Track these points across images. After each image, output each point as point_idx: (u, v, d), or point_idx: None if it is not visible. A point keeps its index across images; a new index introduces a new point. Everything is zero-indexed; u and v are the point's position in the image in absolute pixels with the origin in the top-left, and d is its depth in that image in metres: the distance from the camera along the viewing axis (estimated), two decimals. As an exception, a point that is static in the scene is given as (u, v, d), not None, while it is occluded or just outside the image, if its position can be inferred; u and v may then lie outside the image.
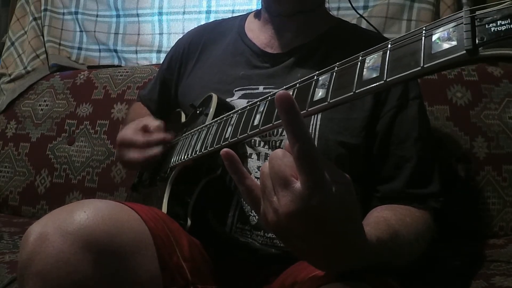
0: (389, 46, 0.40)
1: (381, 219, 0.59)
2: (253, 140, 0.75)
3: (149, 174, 0.87)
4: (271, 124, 0.49)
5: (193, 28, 1.03)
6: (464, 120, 1.04)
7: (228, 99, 0.79)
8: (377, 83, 0.38)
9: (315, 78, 0.47)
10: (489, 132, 1.02)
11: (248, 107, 0.57)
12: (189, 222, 0.70)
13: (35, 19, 1.61)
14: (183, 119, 0.89)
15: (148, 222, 0.60)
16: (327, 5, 0.89)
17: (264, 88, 0.78)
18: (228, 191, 0.73)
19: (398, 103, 0.75)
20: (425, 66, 0.35)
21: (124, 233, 0.55)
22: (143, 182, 0.89)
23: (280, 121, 0.46)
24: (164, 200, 0.71)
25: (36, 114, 1.42)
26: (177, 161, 0.73)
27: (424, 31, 0.37)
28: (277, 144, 0.73)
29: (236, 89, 0.80)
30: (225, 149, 0.45)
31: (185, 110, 0.89)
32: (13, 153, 1.38)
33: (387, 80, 0.38)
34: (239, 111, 0.59)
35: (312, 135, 0.71)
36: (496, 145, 1.01)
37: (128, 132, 0.80)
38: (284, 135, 0.73)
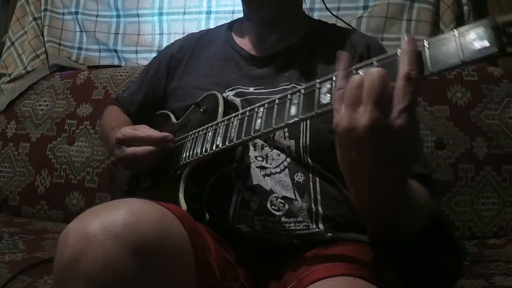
0: (426, 44, 0.45)
1: None
2: None
3: (149, 176, 0.86)
4: (313, 112, 0.52)
5: (181, 37, 1.07)
6: (464, 120, 1.04)
7: None
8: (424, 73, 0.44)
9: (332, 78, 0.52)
10: (489, 132, 1.02)
11: (277, 101, 0.60)
12: (207, 216, 0.71)
13: (35, 19, 1.61)
14: (174, 119, 0.89)
15: (184, 222, 0.58)
16: (304, 6, 0.94)
17: (254, 89, 0.81)
18: (230, 181, 0.75)
19: None
20: (465, 60, 0.41)
21: (169, 238, 0.53)
22: (140, 185, 0.88)
23: (323, 110, 0.51)
24: (180, 196, 0.72)
25: (36, 114, 1.42)
26: (190, 157, 0.74)
27: (456, 33, 0.43)
28: (270, 138, 0.76)
29: (228, 89, 0.83)
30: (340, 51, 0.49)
31: (175, 112, 0.90)
32: (13, 153, 1.38)
33: (433, 71, 0.44)
34: (266, 106, 0.61)
35: (304, 127, 0.75)
36: (496, 145, 1.01)
37: (127, 129, 0.81)
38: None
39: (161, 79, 0.98)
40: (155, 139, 0.78)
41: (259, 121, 0.62)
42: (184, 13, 1.49)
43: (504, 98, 1.05)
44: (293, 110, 0.56)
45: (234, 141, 0.66)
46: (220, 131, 0.70)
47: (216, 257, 0.62)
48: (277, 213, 0.71)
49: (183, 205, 0.71)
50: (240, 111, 0.68)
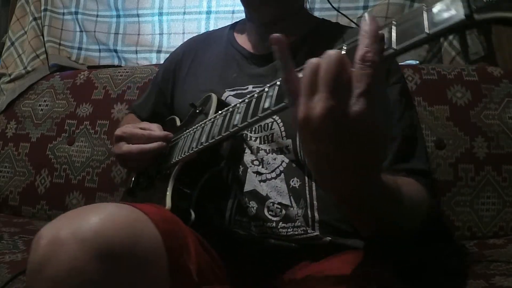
0: (394, 22, 0.43)
1: (386, 175, 0.57)
2: (244, 134, 0.78)
3: (147, 177, 0.86)
4: (283, 103, 0.51)
5: (185, 41, 1.07)
6: (464, 120, 1.04)
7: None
8: (388, 51, 0.42)
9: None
10: (489, 132, 1.02)
11: (255, 95, 0.58)
12: (193, 215, 0.71)
13: (35, 19, 1.61)
14: (179, 123, 0.90)
15: (159, 224, 0.58)
16: (308, 5, 0.94)
17: (253, 87, 0.81)
18: (226, 185, 0.75)
19: None
20: (430, 32, 0.39)
21: (140, 242, 0.53)
22: (140, 185, 0.89)
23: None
24: (167, 194, 0.72)
25: (36, 114, 1.42)
26: (180, 156, 0.74)
27: (424, 7, 0.41)
28: (269, 138, 0.76)
29: (227, 89, 0.83)
30: (275, 34, 0.46)
31: (181, 116, 0.91)
32: (13, 153, 1.38)
33: (397, 48, 0.41)
34: (246, 100, 0.61)
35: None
36: (496, 145, 1.01)
37: (128, 127, 0.82)
38: (273, 129, 0.76)
39: (168, 84, 0.99)
40: (157, 137, 0.79)
41: (238, 116, 0.61)
42: (184, 13, 1.49)
43: (504, 98, 1.05)
44: (267, 103, 0.54)
45: (215, 137, 0.65)
46: (207, 129, 0.70)
47: (196, 260, 0.61)
48: (274, 219, 0.71)
49: (168, 204, 0.70)
50: (225, 108, 0.67)
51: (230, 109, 0.65)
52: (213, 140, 0.66)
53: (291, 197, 0.72)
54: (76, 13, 1.60)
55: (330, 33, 0.87)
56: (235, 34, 0.95)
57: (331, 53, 0.42)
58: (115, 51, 1.57)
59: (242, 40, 0.92)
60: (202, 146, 0.68)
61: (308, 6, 0.95)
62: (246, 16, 0.93)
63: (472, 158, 1.01)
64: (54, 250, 0.48)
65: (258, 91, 0.58)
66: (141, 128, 0.83)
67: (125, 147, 0.80)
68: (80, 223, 0.50)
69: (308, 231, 0.69)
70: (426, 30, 0.39)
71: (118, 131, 0.82)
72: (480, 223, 0.98)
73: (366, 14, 0.43)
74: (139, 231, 0.54)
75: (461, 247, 0.93)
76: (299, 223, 0.70)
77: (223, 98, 0.82)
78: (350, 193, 0.48)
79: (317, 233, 0.69)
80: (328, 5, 1.10)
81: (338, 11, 1.05)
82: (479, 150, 1.01)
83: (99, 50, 1.59)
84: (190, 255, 0.61)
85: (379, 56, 0.41)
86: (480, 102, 1.06)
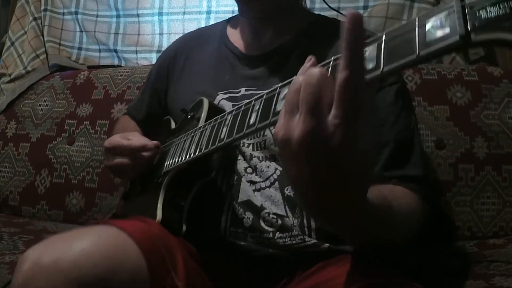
0: (383, 38, 0.39)
1: (375, 189, 0.53)
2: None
3: (140, 182, 0.86)
4: (268, 121, 0.48)
5: (178, 38, 1.05)
6: (464, 120, 1.04)
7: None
8: (374, 74, 0.38)
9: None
10: (489, 132, 1.02)
11: (242, 107, 0.56)
12: (184, 227, 0.70)
13: (35, 19, 1.61)
14: (173, 125, 0.89)
15: (144, 244, 0.57)
16: (307, 5, 0.90)
17: (245, 90, 0.79)
18: (220, 195, 0.73)
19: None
20: (420, 54, 0.34)
21: (120, 270, 0.53)
22: (135, 190, 0.88)
23: (277, 117, 0.45)
24: (158, 206, 0.70)
25: (36, 114, 1.42)
26: (171, 165, 0.73)
27: (417, 22, 0.36)
28: (261, 145, 0.74)
29: (220, 92, 0.81)
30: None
31: (174, 117, 0.90)
32: (13, 153, 1.38)
33: (384, 70, 0.37)
34: (234, 112, 0.59)
35: None
36: (496, 145, 1.01)
37: (116, 137, 0.80)
38: (266, 135, 0.74)
39: (161, 83, 0.96)
40: (136, 148, 0.76)
41: (224, 129, 0.58)
42: (184, 13, 1.49)
43: (504, 98, 1.05)
44: (252, 118, 0.51)
45: (203, 150, 0.64)
46: (196, 139, 0.68)
47: (185, 276, 0.59)
48: (271, 229, 0.69)
49: (158, 216, 0.69)
50: (213, 118, 0.65)
51: (219, 120, 0.63)
52: (201, 153, 0.64)
53: (286, 206, 0.70)
54: (76, 13, 1.60)
55: (328, 31, 0.82)
56: (229, 31, 0.91)
57: (313, 72, 0.38)
58: (115, 51, 1.57)
59: (235, 37, 0.88)
60: (190, 157, 0.67)
61: (307, 6, 0.93)
62: (239, 11, 0.88)
63: (472, 158, 1.01)
64: (34, 276, 0.50)
65: (246, 102, 0.55)
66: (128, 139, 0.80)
67: (116, 161, 0.78)
68: (62, 251, 0.52)
69: (306, 239, 0.68)
70: (416, 52, 0.34)
71: (106, 143, 0.80)
72: (480, 223, 0.98)
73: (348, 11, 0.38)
74: (121, 256, 0.54)
75: (461, 247, 0.93)
76: (296, 232, 0.69)
77: (216, 101, 0.80)
78: (329, 217, 0.45)
79: (314, 240, 0.68)
80: (344, 5, 1.09)
81: (337, 11, 1.05)
82: (479, 150, 1.01)
83: (99, 50, 1.59)
84: (178, 272, 0.59)
85: (362, 78, 0.36)
86: (480, 102, 1.06)
